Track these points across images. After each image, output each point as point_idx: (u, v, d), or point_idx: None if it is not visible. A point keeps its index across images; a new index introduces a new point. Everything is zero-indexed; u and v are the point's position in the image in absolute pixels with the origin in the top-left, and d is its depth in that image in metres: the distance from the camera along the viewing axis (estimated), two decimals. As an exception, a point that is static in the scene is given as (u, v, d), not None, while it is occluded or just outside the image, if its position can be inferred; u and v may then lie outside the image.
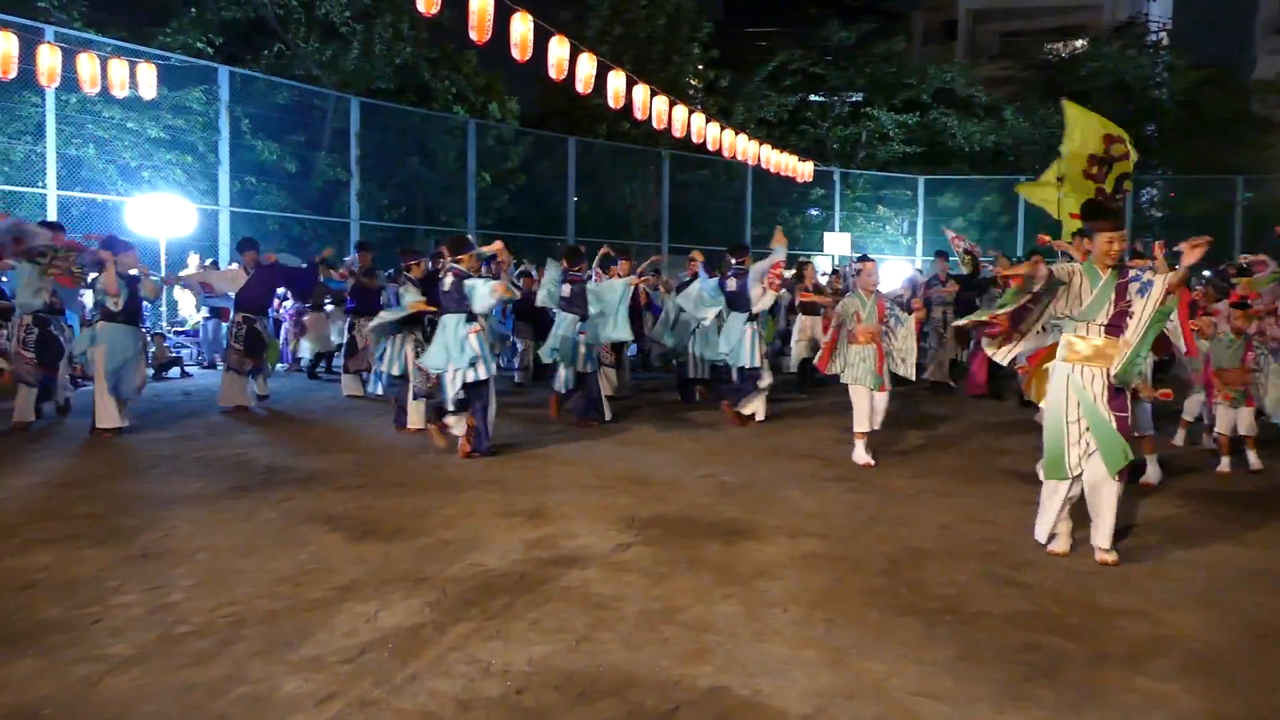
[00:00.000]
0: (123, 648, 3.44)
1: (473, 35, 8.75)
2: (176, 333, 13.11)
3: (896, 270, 20.34)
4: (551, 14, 10.31)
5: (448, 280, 7.10)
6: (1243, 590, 4.33)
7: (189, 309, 13.66)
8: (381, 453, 7.14)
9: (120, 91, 10.97)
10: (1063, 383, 4.69)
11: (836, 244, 21.70)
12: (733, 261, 9.27)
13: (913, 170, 23.97)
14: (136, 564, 4.39)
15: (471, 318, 6.99)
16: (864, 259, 7.43)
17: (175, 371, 11.69)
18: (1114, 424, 4.57)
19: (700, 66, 23.53)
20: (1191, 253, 4.57)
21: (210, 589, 4.07)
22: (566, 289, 8.82)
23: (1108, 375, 4.62)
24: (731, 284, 8.91)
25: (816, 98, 25.62)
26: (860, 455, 7.09)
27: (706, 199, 22.36)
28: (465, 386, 6.94)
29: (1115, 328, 4.63)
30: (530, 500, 5.75)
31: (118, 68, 10.78)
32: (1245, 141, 23.99)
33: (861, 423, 7.07)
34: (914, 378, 7.19)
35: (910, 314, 7.19)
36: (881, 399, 7.05)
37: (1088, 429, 4.60)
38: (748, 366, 8.64)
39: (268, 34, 16.69)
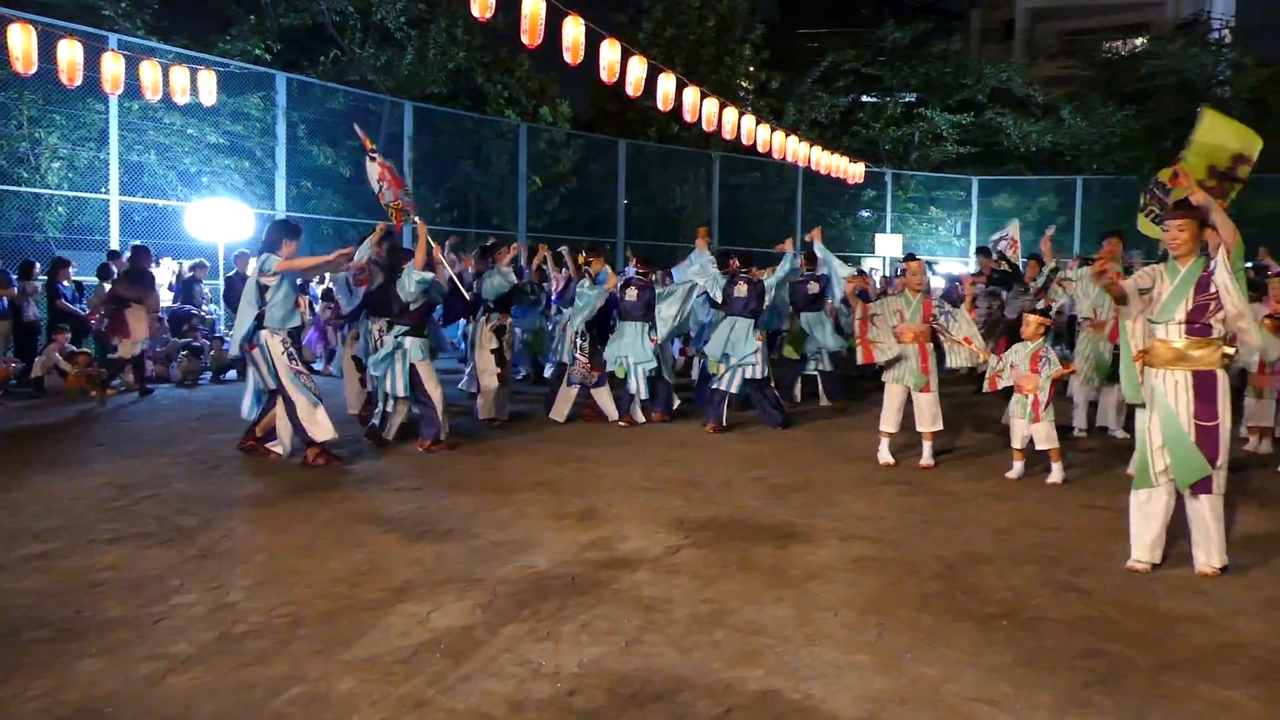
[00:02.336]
0: (184, 646, 3.52)
1: (525, 39, 8.81)
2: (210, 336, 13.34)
3: (950, 271, 20.08)
4: (604, 17, 10.36)
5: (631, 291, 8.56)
6: (1315, 600, 4.19)
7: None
8: (438, 456, 7.21)
9: (181, 98, 11.26)
10: (1147, 389, 4.57)
11: (888, 246, 21.49)
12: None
13: (967, 171, 23.63)
14: (198, 564, 4.49)
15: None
16: (910, 258, 7.36)
17: (233, 373, 11.93)
18: (1193, 435, 4.37)
19: (751, 68, 23.44)
20: None
21: (269, 589, 4.15)
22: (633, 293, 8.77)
23: (1195, 379, 4.40)
24: (743, 289, 8.51)
25: (869, 98, 25.38)
26: (884, 455, 7.06)
27: (757, 201, 22.28)
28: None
29: (1196, 325, 4.40)
30: (582, 502, 5.77)
31: (179, 75, 11.06)
32: (1314, 139, 23.23)
33: (888, 422, 7.02)
34: (982, 357, 7.04)
35: (959, 305, 7.13)
36: (926, 399, 6.95)
37: (1162, 443, 4.45)
38: (759, 377, 8.44)
39: (325, 40, 16.99)
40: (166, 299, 12.32)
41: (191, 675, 3.28)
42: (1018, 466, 6.59)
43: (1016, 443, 6.59)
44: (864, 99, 25.26)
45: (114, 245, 12.09)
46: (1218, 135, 5.94)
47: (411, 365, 7.32)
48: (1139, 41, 28.55)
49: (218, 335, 12.44)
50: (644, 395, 8.66)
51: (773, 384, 8.81)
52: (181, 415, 9.04)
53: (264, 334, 6.63)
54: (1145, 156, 22.11)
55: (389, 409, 7.55)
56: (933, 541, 5.03)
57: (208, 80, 11.45)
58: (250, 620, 3.77)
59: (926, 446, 7.05)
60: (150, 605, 3.92)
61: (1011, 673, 3.36)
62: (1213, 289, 4.36)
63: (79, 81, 10.05)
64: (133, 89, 10.91)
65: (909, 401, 7.03)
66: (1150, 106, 23.69)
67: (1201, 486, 4.41)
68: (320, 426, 6.65)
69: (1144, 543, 4.57)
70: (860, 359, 7.30)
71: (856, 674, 3.35)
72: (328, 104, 15.77)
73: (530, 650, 3.52)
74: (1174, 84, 23.77)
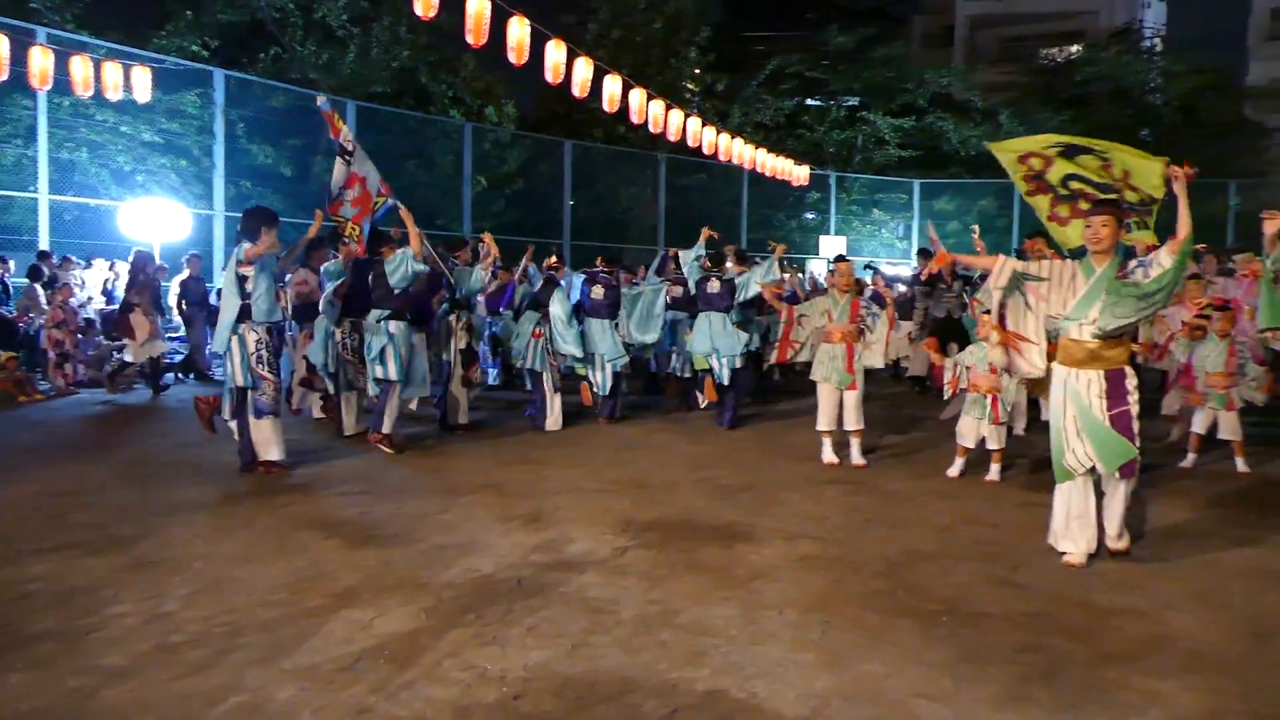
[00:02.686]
0: (118, 658, 3.42)
1: (469, 39, 8.75)
2: (171, 337, 13.06)
3: (892, 273, 20.36)
4: (550, 17, 10.32)
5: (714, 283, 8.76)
6: (1240, 588, 4.33)
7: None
8: (382, 458, 7.12)
9: (114, 95, 10.98)
10: (1060, 387, 4.68)
11: (832, 247, 21.72)
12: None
13: (909, 174, 24.01)
14: (132, 573, 4.37)
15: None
16: (840, 259, 7.49)
17: (170, 377, 11.65)
18: (1107, 423, 4.52)
19: (698, 70, 23.56)
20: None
21: (207, 597, 4.05)
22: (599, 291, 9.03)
23: (1105, 377, 4.56)
24: (715, 285, 8.84)
25: (814, 101, 25.67)
26: (827, 454, 7.15)
27: (704, 202, 22.36)
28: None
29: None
30: (529, 505, 5.74)
31: (111, 70, 10.78)
32: (1240, 146, 24.07)
33: (824, 421, 7.11)
34: (880, 364, 7.29)
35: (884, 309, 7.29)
36: (851, 398, 7.04)
37: (1078, 433, 4.58)
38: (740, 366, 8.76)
39: (264, 37, 16.70)
40: (100, 301, 12.01)
41: (125, 688, 3.19)
42: (959, 464, 6.69)
43: (968, 441, 6.63)
44: (808, 102, 25.55)
45: (43, 245, 11.75)
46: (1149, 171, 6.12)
47: (399, 351, 7.26)
48: (1075, 49, 29.34)
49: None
50: (604, 392, 8.78)
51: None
52: (115, 420, 8.80)
53: (242, 327, 6.43)
54: (1082, 161, 22.67)
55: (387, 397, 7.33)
56: (876, 540, 5.10)
57: (142, 76, 11.18)
58: (187, 630, 3.69)
59: (855, 445, 7.15)
60: (82, 617, 3.81)
61: (953, 668, 3.42)
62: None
63: (5, 76, 9.74)
64: (62, 85, 10.61)
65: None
66: (1086, 113, 24.33)
67: (1127, 469, 4.56)
68: (264, 445, 6.52)
69: (1071, 534, 4.69)
70: (774, 358, 7.58)
71: (801, 672, 3.37)
72: (268, 102, 15.50)
73: (476, 655, 3.49)
74: (1109, 91, 24.47)
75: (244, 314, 6.36)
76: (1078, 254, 5.02)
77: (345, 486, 6.16)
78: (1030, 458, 7.27)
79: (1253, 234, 4.90)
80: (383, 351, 7.30)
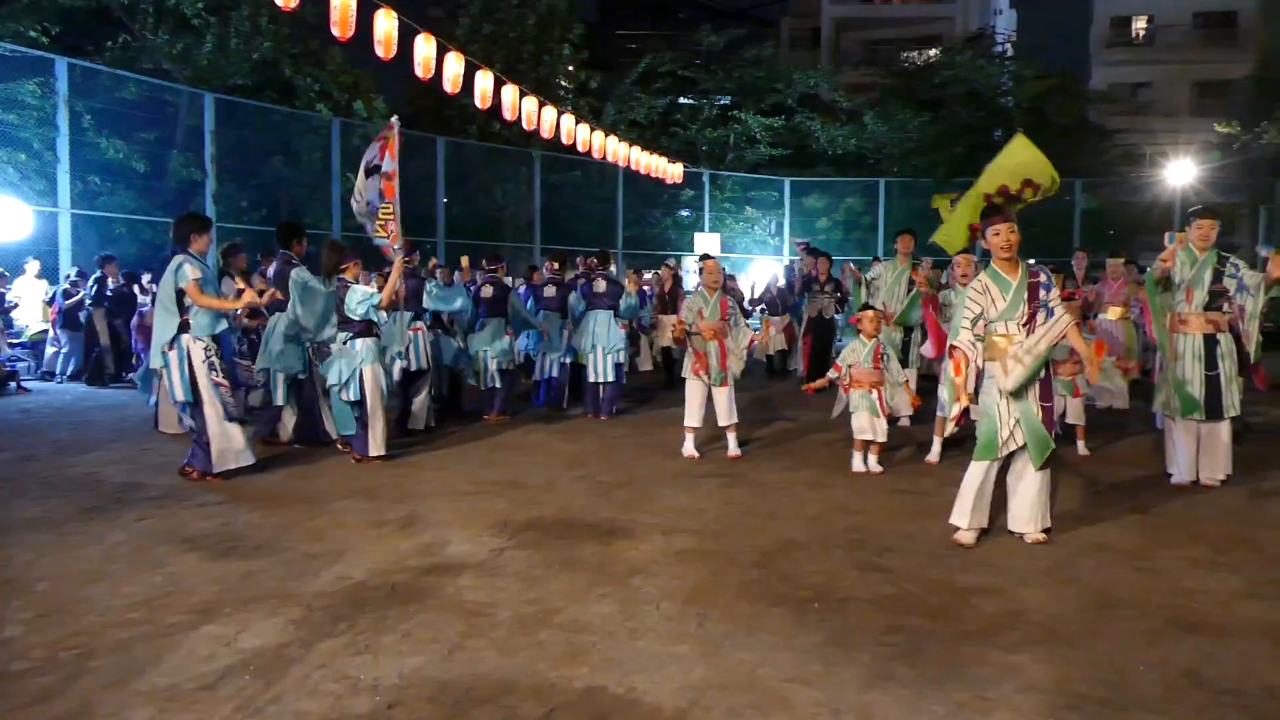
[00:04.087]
0: (-48, 685, 3.19)
1: (335, 31, 8.51)
2: (12, 345, 12.24)
3: (765, 269, 20.85)
4: (419, 11, 10.13)
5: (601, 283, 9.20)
6: (1086, 563, 4.61)
7: (29, 317, 12.76)
8: (245, 466, 6.83)
9: (-59, 83, 10.19)
10: (993, 381, 4.89)
11: (707, 244, 22.06)
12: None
13: (780, 172, 24.59)
14: (-31, 594, 4.08)
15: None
16: (705, 258, 7.65)
17: (11, 386, 10.92)
18: (1040, 415, 4.80)
19: (571, 68, 23.51)
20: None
21: (53, 620, 3.81)
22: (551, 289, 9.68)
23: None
24: (601, 285, 9.38)
25: (686, 100, 26.00)
26: (688, 448, 7.28)
27: (579, 200, 22.36)
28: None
29: (1031, 325, 4.85)
30: (402, 509, 5.62)
31: (-62, 58, 10.01)
32: (1084, 147, 25.61)
33: (691, 417, 7.25)
34: (740, 374, 7.48)
35: (757, 311, 7.53)
36: (723, 394, 7.20)
37: (1017, 420, 4.81)
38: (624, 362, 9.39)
39: (112, 24, 15.78)
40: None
41: (-40, 720, 2.98)
42: (858, 459, 6.81)
43: (866, 434, 6.77)
44: (681, 101, 25.87)
45: None
46: (1019, 158, 6.46)
47: (360, 369, 6.92)
48: (933, 53, 30.60)
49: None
50: (605, 378, 9.17)
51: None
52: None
53: (186, 339, 6.21)
54: (940, 161, 23.75)
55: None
56: (751, 531, 5.20)
57: (-26, 64, 10.42)
58: (31, 656, 3.46)
59: (731, 438, 7.30)
60: (-90, 646, 3.53)
61: (822, 652, 3.53)
62: (1039, 298, 4.84)
63: None
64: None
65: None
66: (943, 114, 25.44)
67: (1046, 461, 4.86)
68: (229, 454, 6.30)
69: (977, 510, 4.90)
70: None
71: (678, 664, 3.42)
72: (117, 93, 14.66)
73: (347, 665, 3.39)
74: (964, 94, 25.64)
75: (183, 327, 6.23)
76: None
77: (205, 497, 5.89)
78: (906, 448, 7.56)
79: (1096, 230, 5.24)
80: (353, 374, 6.94)
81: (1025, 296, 4.85)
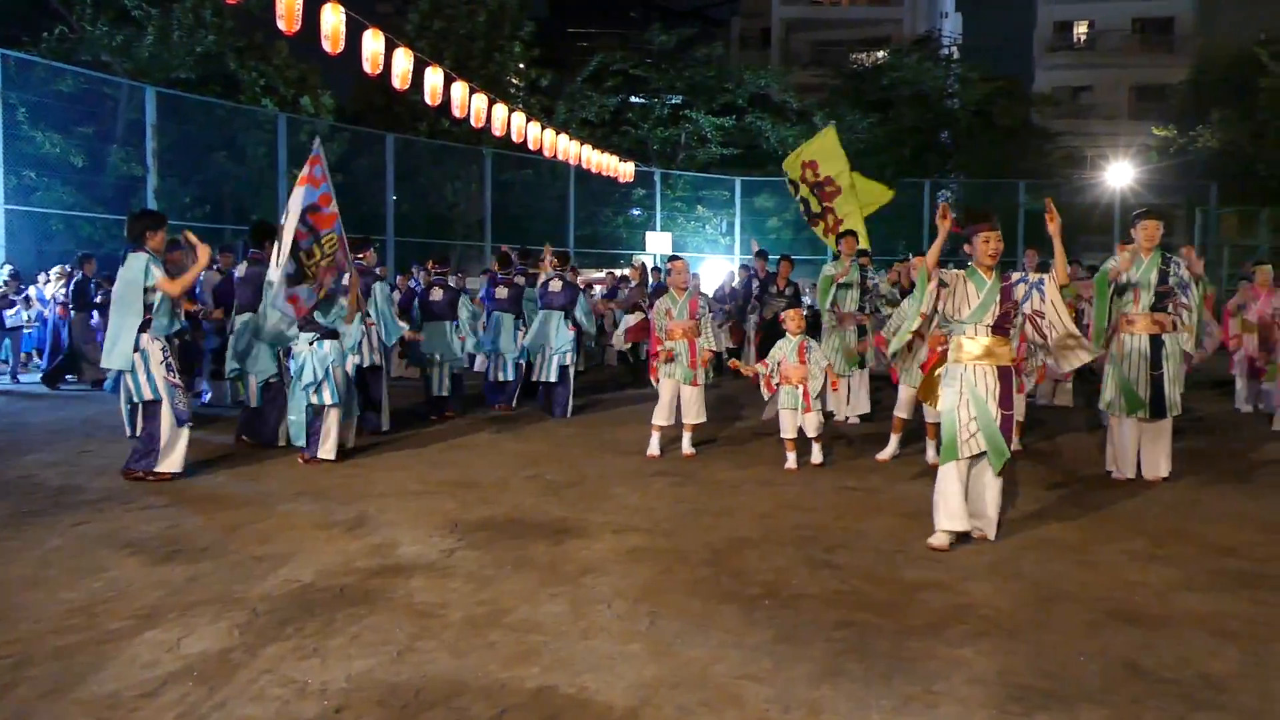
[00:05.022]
0: (-121, 697, 3.08)
1: (281, 25, 8.38)
2: None
3: (716, 268, 20.94)
4: (368, 6, 10.02)
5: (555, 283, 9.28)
6: (1030, 558, 4.70)
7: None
8: (188, 468, 6.70)
9: None
10: (957, 381, 4.94)
11: (658, 243, 22.11)
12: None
13: (731, 172, 24.72)
14: (-103, 602, 3.94)
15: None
16: (673, 258, 7.69)
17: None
18: (999, 421, 4.84)
19: (522, 65, 23.40)
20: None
21: (-13, 625, 3.71)
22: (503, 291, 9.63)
23: (997, 373, 4.89)
24: (556, 285, 9.39)
25: (638, 99, 26.03)
26: (653, 447, 7.29)
27: (530, 198, 22.26)
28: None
29: (1001, 328, 4.92)
30: (351, 510, 5.55)
31: None
32: (1028, 149, 26.14)
33: (660, 416, 7.27)
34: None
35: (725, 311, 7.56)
36: (692, 393, 7.23)
37: (975, 419, 4.86)
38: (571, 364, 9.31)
39: (49, 15, 15.36)
40: None
41: (-112, 733, 2.88)
42: (791, 458, 6.85)
43: (789, 433, 6.82)
44: (632, 100, 25.89)
45: None
46: (825, 150, 7.07)
47: (330, 370, 6.79)
48: (881, 55, 31.00)
49: None
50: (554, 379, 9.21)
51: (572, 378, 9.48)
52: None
53: (144, 338, 6.11)
54: (888, 161, 24.05)
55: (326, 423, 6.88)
56: (702, 529, 5.23)
57: (-99, 54, 10.07)
58: (-37, 664, 3.36)
59: (687, 437, 7.34)
60: None
61: (773, 649, 3.55)
62: (1014, 299, 4.93)
63: None
64: None
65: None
66: (891, 116, 25.79)
67: (1005, 469, 4.94)
68: (173, 457, 6.21)
69: (953, 512, 4.88)
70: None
71: (629, 663, 3.42)
72: (54, 86, 14.26)
73: (294, 669, 3.34)
74: (911, 95, 26.01)
75: (143, 326, 6.13)
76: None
77: (149, 500, 5.76)
78: (847, 444, 7.64)
79: (1041, 231, 5.36)
80: (321, 375, 6.79)
81: (998, 299, 4.91)
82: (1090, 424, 8.65)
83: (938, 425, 6.72)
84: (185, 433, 6.28)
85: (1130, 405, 6.32)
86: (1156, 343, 6.31)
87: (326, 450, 6.83)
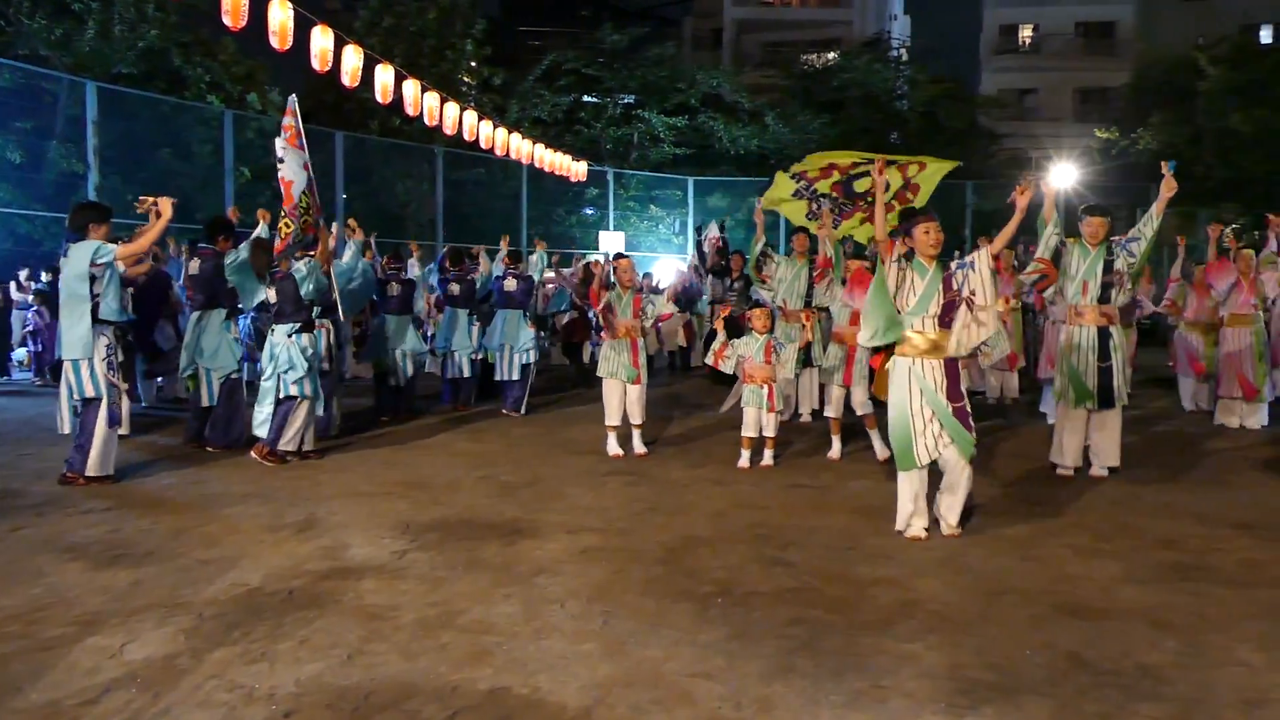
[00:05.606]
0: None
1: (226, 20, 8.22)
2: None
3: (670, 267, 20.96)
4: (316, 2, 9.87)
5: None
6: (977, 553, 4.78)
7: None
8: (132, 471, 6.56)
9: None
10: (904, 376, 4.98)
11: (611, 242, 22.08)
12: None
13: (683, 171, 24.77)
14: None
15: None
16: (620, 256, 7.72)
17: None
18: (952, 413, 4.90)
19: (474, 64, 23.22)
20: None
21: (-81, 634, 3.60)
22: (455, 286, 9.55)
23: (945, 366, 4.94)
24: (512, 283, 9.42)
25: (590, 98, 25.97)
26: (612, 447, 7.28)
27: (483, 197, 22.10)
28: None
29: (946, 319, 4.96)
30: (300, 512, 5.47)
31: None
32: (974, 150, 26.56)
33: (611, 416, 7.27)
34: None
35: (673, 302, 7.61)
36: (636, 391, 7.25)
37: (933, 417, 4.90)
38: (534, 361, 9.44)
39: (-17, 8, 14.94)
40: None
41: None
42: (745, 455, 6.88)
43: (750, 431, 6.83)
44: (585, 99, 25.82)
45: None
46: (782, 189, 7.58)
47: (310, 364, 6.76)
48: (831, 56, 31.31)
49: None
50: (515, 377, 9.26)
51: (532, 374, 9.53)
52: None
53: (96, 328, 6.00)
54: (838, 162, 24.25)
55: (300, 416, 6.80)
56: (656, 528, 5.24)
57: None
58: (-105, 675, 3.25)
59: (637, 435, 7.35)
60: None
61: (725, 646, 3.57)
62: (955, 287, 4.96)
63: None
64: None
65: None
66: (842, 116, 26.04)
67: (970, 458, 5.00)
68: (102, 459, 6.04)
69: (920, 512, 5.00)
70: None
71: (583, 663, 3.42)
72: (-10, 80, 13.87)
73: (241, 674, 3.29)
74: (861, 96, 26.30)
75: (93, 311, 5.99)
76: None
77: (91, 504, 5.63)
78: (802, 443, 7.70)
79: (986, 230, 5.47)
80: (299, 367, 6.72)
81: (940, 288, 4.97)
82: (1033, 418, 8.83)
83: (873, 415, 6.85)
84: (114, 435, 6.14)
85: (1079, 396, 6.49)
86: (1104, 335, 6.49)
87: (286, 441, 6.76)
